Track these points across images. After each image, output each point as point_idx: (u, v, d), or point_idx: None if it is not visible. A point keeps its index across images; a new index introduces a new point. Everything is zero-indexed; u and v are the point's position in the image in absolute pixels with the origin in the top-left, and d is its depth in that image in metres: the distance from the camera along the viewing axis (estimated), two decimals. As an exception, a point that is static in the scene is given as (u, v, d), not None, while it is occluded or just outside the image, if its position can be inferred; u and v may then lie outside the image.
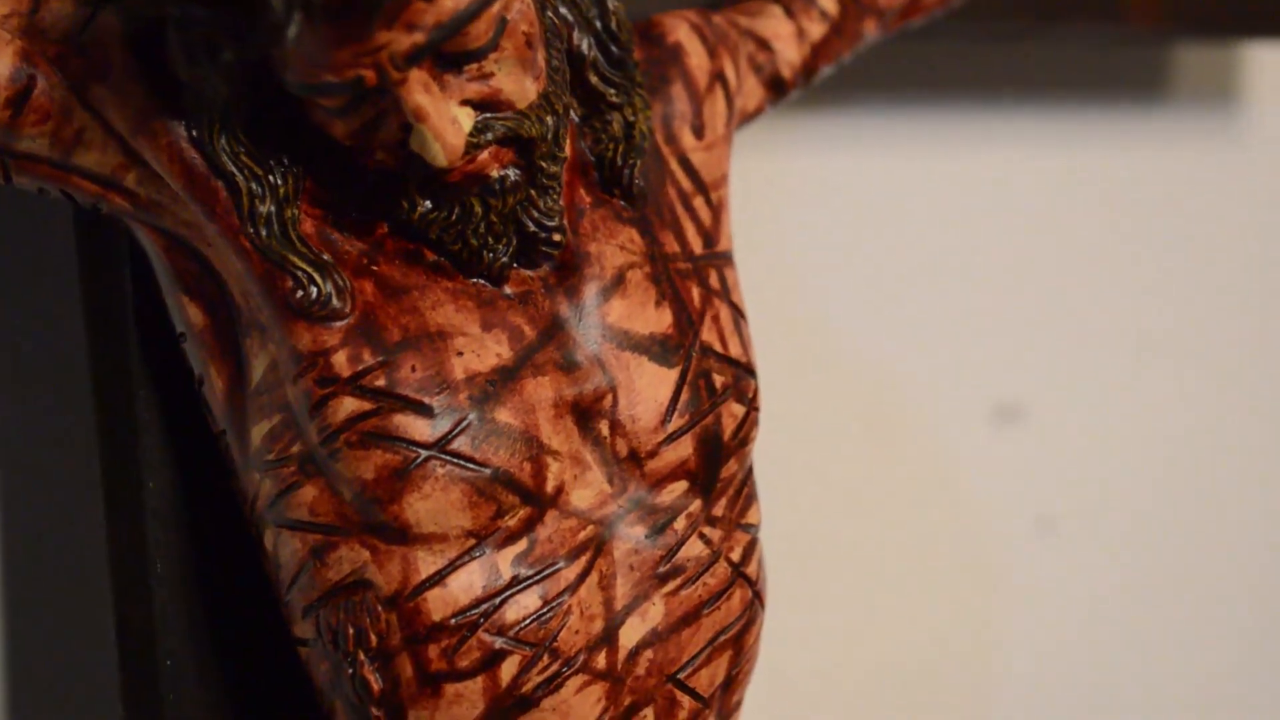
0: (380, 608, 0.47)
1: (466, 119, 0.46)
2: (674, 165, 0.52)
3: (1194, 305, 0.86)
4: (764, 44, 0.56)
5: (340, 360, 0.47)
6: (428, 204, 0.47)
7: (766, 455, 0.56)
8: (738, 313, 0.52)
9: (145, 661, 0.52)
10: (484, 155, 0.46)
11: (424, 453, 0.46)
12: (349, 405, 0.46)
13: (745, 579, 0.51)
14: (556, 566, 0.48)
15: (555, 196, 0.48)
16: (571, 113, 0.50)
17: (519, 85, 0.46)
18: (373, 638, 0.47)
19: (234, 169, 0.47)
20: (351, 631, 0.47)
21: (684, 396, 0.50)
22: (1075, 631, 0.85)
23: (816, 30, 0.57)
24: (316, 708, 0.50)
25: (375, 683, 0.47)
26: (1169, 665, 0.86)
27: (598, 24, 0.50)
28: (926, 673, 0.82)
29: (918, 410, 0.83)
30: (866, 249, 0.81)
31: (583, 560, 0.48)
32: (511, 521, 0.47)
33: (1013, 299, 0.84)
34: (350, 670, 0.48)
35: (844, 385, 0.81)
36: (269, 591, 0.50)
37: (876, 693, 0.82)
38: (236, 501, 0.50)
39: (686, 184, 0.52)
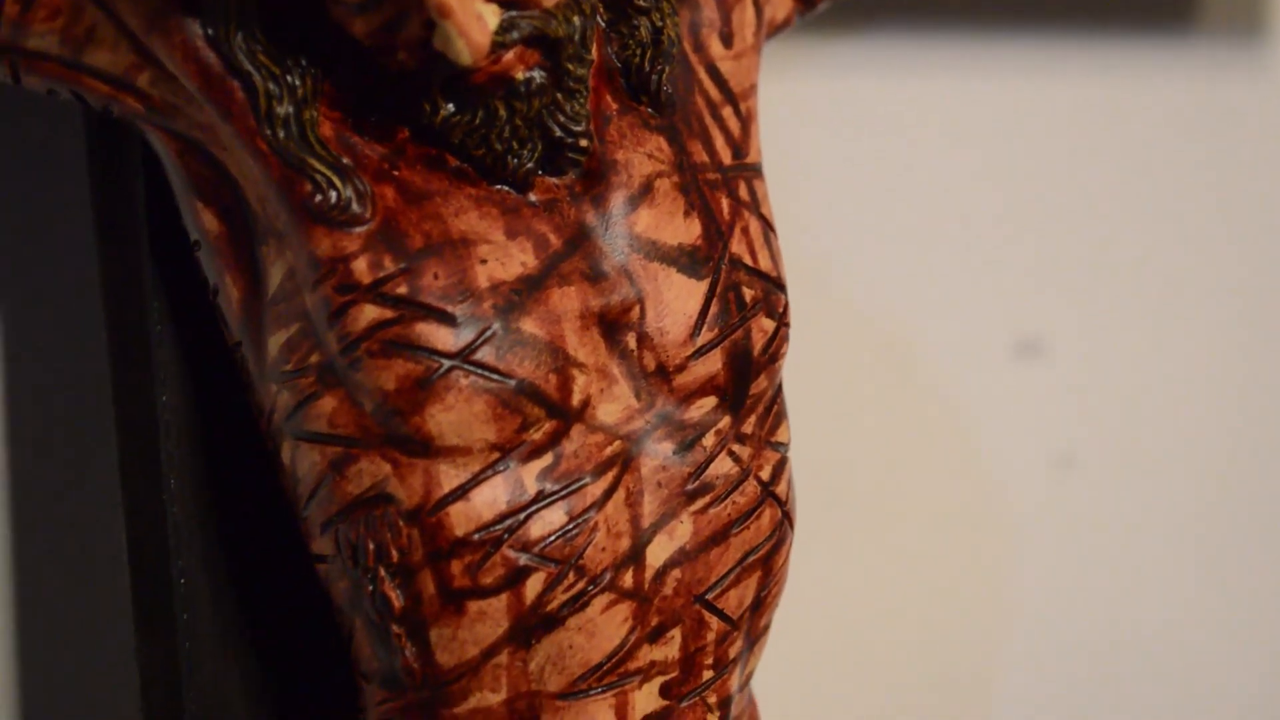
0: (402, 522, 0.46)
1: (492, 16, 0.44)
2: (702, 74, 0.50)
3: (1218, 240, 0.85)
4: None
5: (360, 267, 0.45)
6: (450, 107, 0.45)
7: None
8: (767, 226, 0.51)
9: (158, 581, 0.50)
10: (509, 56, 0.45)
11: (447, 363, 0.45)
12: (369, 313, 0.45)
13: (775, 498, 0.50)
14: (583, 482, 0.46)
15: (582, 101, 0.47)
16: (598, 16, 0.48)
17: None
18: (394, 553, 0.46)
19: (251, 68, 0.45)
20: (372, 547, 0.46)
21: (713, 310, 0.48)
22: (1092, 567, 0.83)
23: None
24: (335, 627, 0.49)
25: (396, 599, 0.46)
26: (1187, 601, 0.85)
27: None
28: (940, 608, 0.81)
29: (936, 345, 0.82)
30: (885, 180, 0.80)
31: (609, 476, 0.47)
32: (537, 435, 0.46)
33: (1034, 233, 0.82)
34: (370, 587, 0.46)
35: (861, 318, 0.80)
36: (286, 508, 0.49)
37: (888, 627, 0.81)
38: (252, 415, 0.49)
39: (715, 93, 0.50)
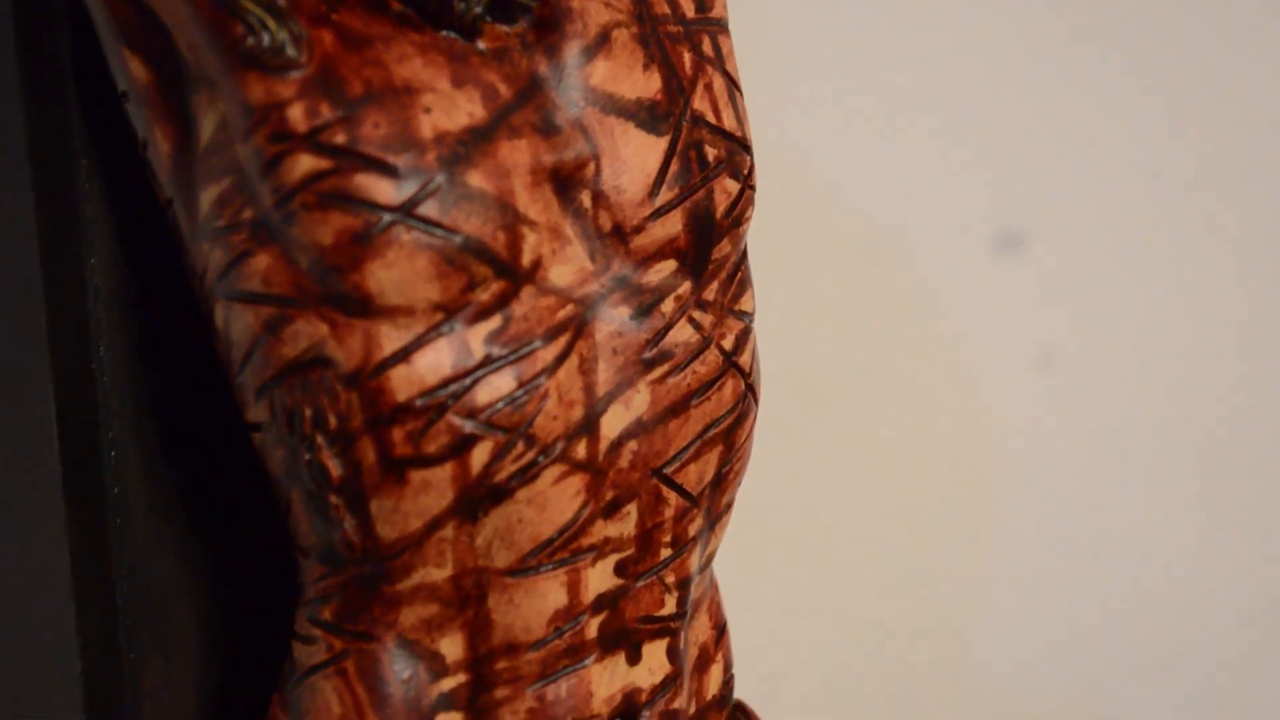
0: (340, 387, 0.43)
1: None
2: (664, -78, 0.48)
3: (1205, 133, 0.82)
4: None
5: (296, 114, 0.42)
6: None
7: (757, 284, 0.53)
8: (732, 83, 0.48)
9: (87, 454, 0.48)
10: None
11: (388, 216, 0.42)
12: (305, 163, 0.42)
13: (738, 369, 0.47)
14: (533, 346, 0.44)
15: (534, -58, 0.44)
16: None
17: None
18: (332, 419, 0.43)
19: (179, -100, 0.42)
20: (308, 413, 0.43)
21: (673, 168, 0.46)
22: (1072, 464, 0.82)
23: None
24: (273, 500, 0.46)
25: (334, 469, 0.43)
26: (1167, 500, 0.83)
27: None
28: (923, 506, 0.79)
29: (916, 238, 0.79)
30: (863, 68, 0.77)
31: (561, 341, 0.44)
32: (484, 296, 0.43)
33: (1016, 123, 0.80)
34: (307, 456, 0.44)
35: (839, 211, 0.78)
36: (221, 376, 0.46)
37: (870, 527, 0.79)
38: (186, 277, 0.46)
39: (678, -57, 0.48)
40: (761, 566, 0.74)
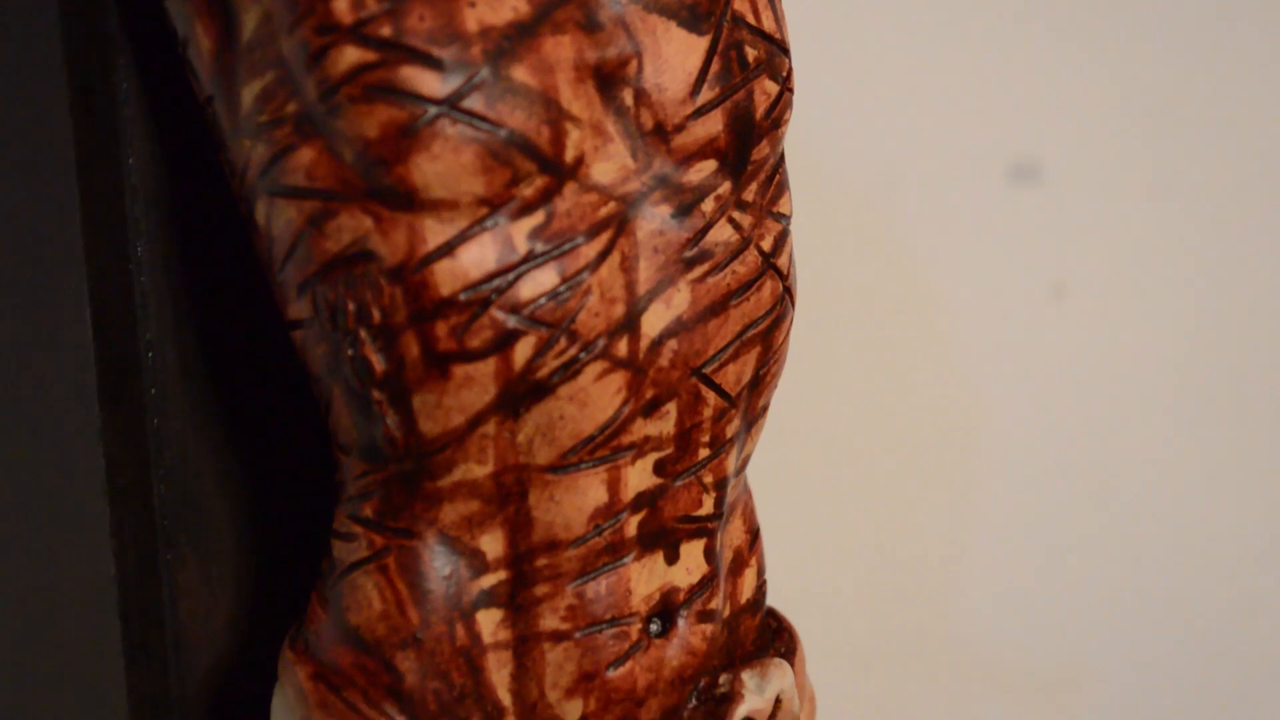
0: (384, 281, 0.43)
1: None
2: None
3: (1222, 64, 0.82)
4: None
5: (341, 7, 0.42)
6: None
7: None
8: (771, -14, 0.48)
9: (125, 356, 0.48)
10: None
11: (433, 109, 0.42)
12: (351, 55, 0.42)
13: (776, 270, 0.47)
14: (575, 242, 0.44)
15: None
16: None
17: None
18: (375, 314, 0.43)
19: None
20: (352, 307, 0.43)
21: (714, 68, 0.46)
22: (1082, 396, 0.82)
23: None
24: (312, 399, 0.46)
25: (378, 363, 0.43)
26: (1177, 430, 0.83)
27: None
28: (932, 432, 0.79)
29: (930, 169, 0.79)
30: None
31: (603, 238, 0.44)
32: (528, 191, 0.43)
33: (1031, 54, 0.80)
34: (350, 351, 0.44)
35: (851, 142, 0.77)
36: (259, 275, 0.46)
37: (880, 451, 0.79)
38: (224, 176, 0.46)
39: None
40: (779, 466, 0.74)
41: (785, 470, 0.77)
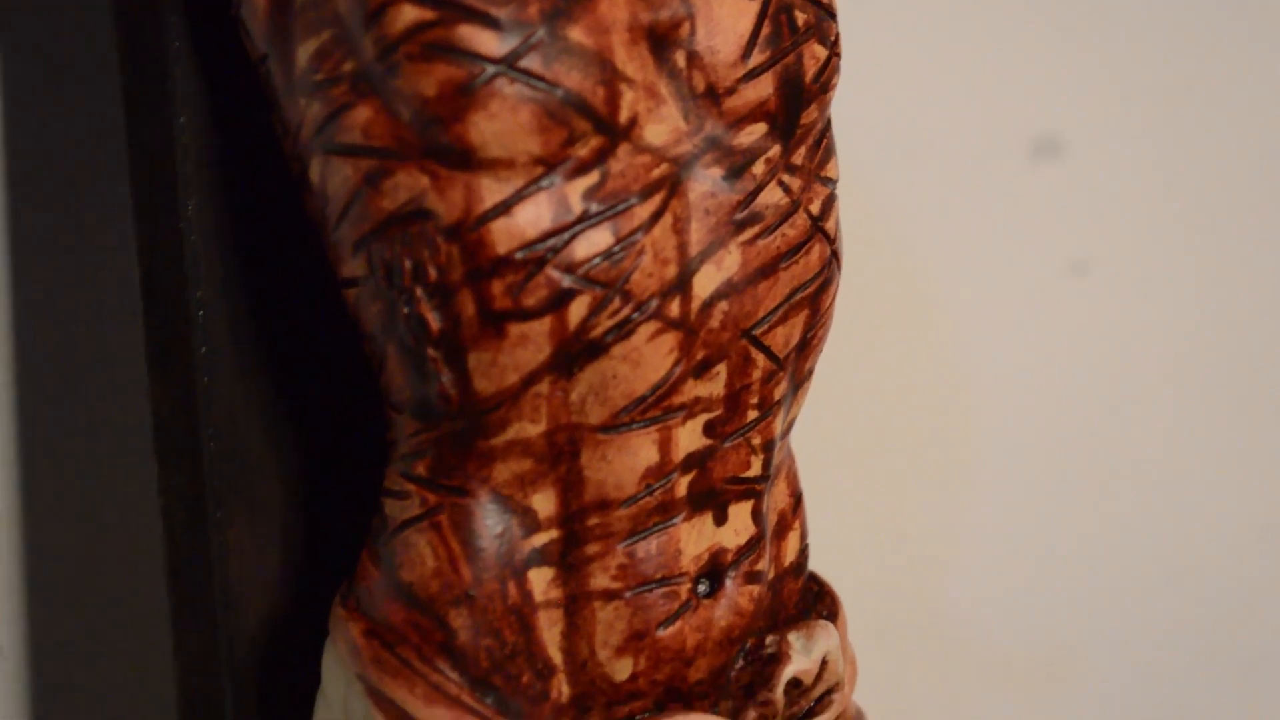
0: (440, 239, 0.43)
1: None
2: None
3: (1244, 42, 0.82)
4: None
5: (399, -35, 0.42)
6: None
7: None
8: (819, -49, 0.48)
9: (175, 314, 0.48)
10: None
11: (491, 68, 0.42)
12: (409, 14, 0.42)
13: (824, 234, 0.48)
14: (629, 203, 0.44)
15: None
16: None
17: None
18: (431, 272, 0.43)
19: None
20: (408, 265, 0.44)
21: (765, 31, 0.46)
22: (1102, 373, 0.82)
23: None
24: (362, 360, 0.47)
25: (433, 321, 0.44)
26: (1194, 404, 0.83)
27: None
28: (935, 415, 0.79)
29: (952, 142, 0.79)
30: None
31: (656, 199, 0.44)
32: (583, 151, 0.44)
33: (1055, 29, 0.80)
34: (406, 309, 0.44)
35: (870, 114, 0.78)
36: (310, 235, 0.46)
37: (879, 435, 0.79)
38: (276, 135, 0.46)
39: None
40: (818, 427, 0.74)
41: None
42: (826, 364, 0.72)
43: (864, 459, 0.78)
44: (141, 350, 0.49)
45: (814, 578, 0.52)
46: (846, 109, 0.77)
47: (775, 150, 0.46)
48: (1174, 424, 0.83)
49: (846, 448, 0.79)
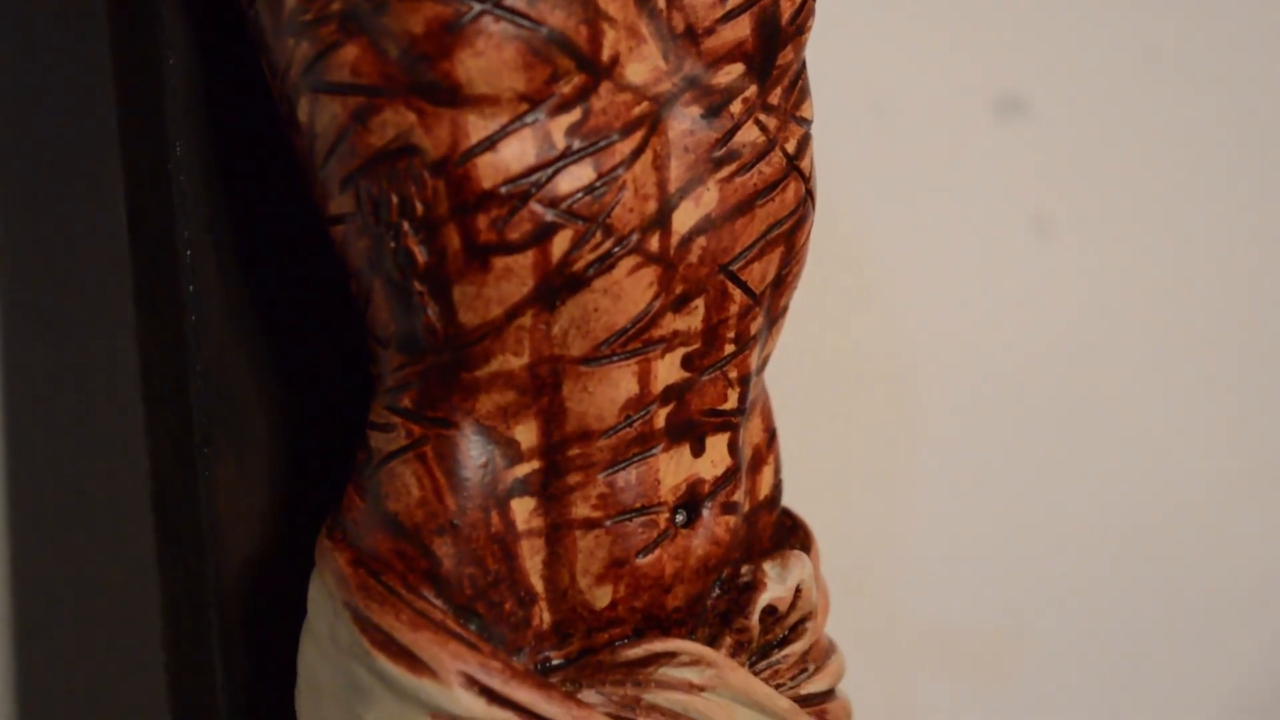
0: (427, 174, 0.44)
1: None
2: None
3: (1205, 1, 0.84)
4: None
5: (386, -95, 0.43)
6: None
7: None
8: (794, -103, 0.49)
9: (162, 253, 0.49)
10: None
11: (477, 5, 0.43)
12: (397, -47, 0.43)
13: (799, 173, 0.49)
14: (611, 140, 0.45)
15: None
16: None
17: None
18: (418, 206, 0.44)
19: None
20: (395, 200, 0.45)
21: (742, -27, 0.47)
22: (1068, 328, 0.83)
23: None
24: (347, 299, 0.48)
25: (420, 255, 0.45)
26: (1162, 361, 0.85)
27: None
28: (916, 360, 0.80)
29: (916, 99, 0.80)
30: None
31: (637, 136, 0.46)
32: (566, 88, 0.45)
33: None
34: (393, 243, 0.45)
35: (835, 71, 0.79)
36: (296, 177, 0.47)
37: (841, 384, 0.80)
38: (264, 78, 0.47)
39: None
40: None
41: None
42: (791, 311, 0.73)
43: (812, 424, 0.79)
44: (130, 289, 0.50)
45: (787, 512, 0.53)
46: (812, 65, 0.77)
47: (752, 90, 0.48)
48: (1133, 394, 0.84)
49: (794, 410, 0.80)
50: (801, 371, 0.58)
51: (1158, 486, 0.83)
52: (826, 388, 0.79)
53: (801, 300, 0.62)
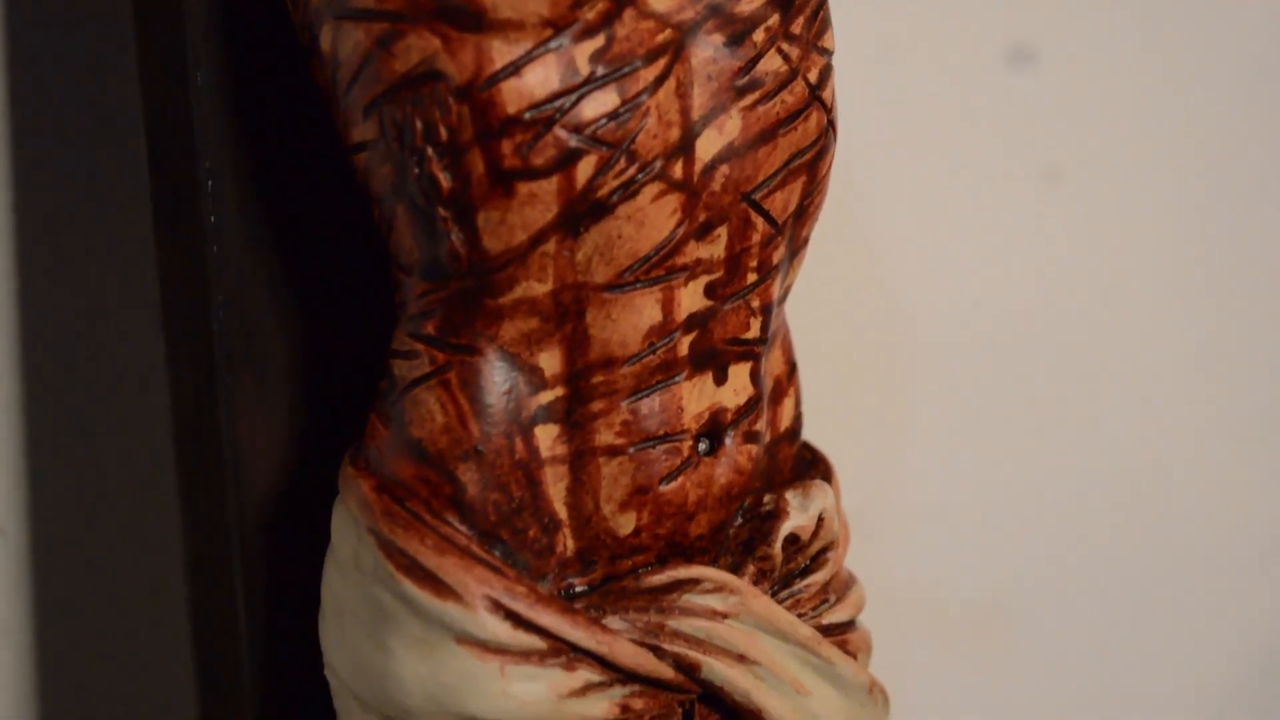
0: (451, 99, 0.44)
1: None
2: None
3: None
4: None
5: None
6: None
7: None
8: None
9: (184, 182, 0.49)
10: None
11: (502, -70, 0.43)
12: (421, -123, 0.43)
13: (821, 103, 0.49)
14: (634, 66, 0.45)
15: None
16: None
17: None
18: (442, 132, 0.44)
19: None
20: (419, 126, 0.45)
21: (764, -99, 0.47)
22: (1077, 279, 0.83)
23: None
24: (370, 224, 0.48)
25: (444, 180, 0.45)
26: (1168, 317, 0.85)
27: None
28: (915, 319, 0.80)
29: (929, 49, 0.80)
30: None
31: (661, 63, 0.46)
32: (590, 14, 0.45)
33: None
34: (417, 169, 0.45)
35: (847, 20, 0.78)
36: (318, 107, 0.47)
37: (862, 338, 0.80)
38: (284, 7, 0.47)
39: None
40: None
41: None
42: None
43: (803, 384, 0.79)
44: (150, 218, 0.50)
45: (807, 446, 0.53)
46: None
47: (774, 19, 0.48)
48: (1138, 351, 0.84)
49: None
50: (794, 324, 0.58)
51: (1154, 451, 0.83)
52: (819, 345, 0.79)
53: (816, 247, 0.62)
